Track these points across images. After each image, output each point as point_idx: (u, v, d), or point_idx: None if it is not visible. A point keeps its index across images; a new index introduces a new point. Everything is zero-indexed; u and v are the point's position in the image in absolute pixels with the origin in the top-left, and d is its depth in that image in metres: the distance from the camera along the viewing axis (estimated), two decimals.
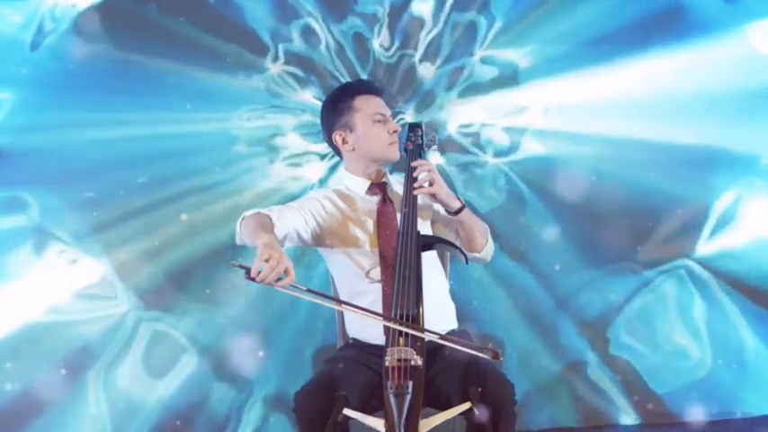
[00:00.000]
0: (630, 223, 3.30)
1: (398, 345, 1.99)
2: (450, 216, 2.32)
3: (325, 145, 2.53)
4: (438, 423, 1.94)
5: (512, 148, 3.31)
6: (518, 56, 3.29)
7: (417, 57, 3.29)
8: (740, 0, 3.31)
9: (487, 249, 2.42)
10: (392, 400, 1.88)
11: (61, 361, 3.06)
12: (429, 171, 2.24)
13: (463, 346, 1.97)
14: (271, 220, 2.18)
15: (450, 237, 2.41)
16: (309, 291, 1.93)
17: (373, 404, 2.05)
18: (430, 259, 2.32)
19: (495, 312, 3.27)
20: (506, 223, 3.27)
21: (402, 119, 3.25)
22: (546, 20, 3.27)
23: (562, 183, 3.26)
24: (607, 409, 3.30)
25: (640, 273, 3.31)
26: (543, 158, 3.30)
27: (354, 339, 2.34)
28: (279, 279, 1.88)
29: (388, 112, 2.39)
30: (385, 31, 3.26)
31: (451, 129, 3.30)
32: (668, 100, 3.28)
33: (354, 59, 3.27)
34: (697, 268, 3.32)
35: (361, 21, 3.26)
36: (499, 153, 3.31)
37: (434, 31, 3.28)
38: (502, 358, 1.91)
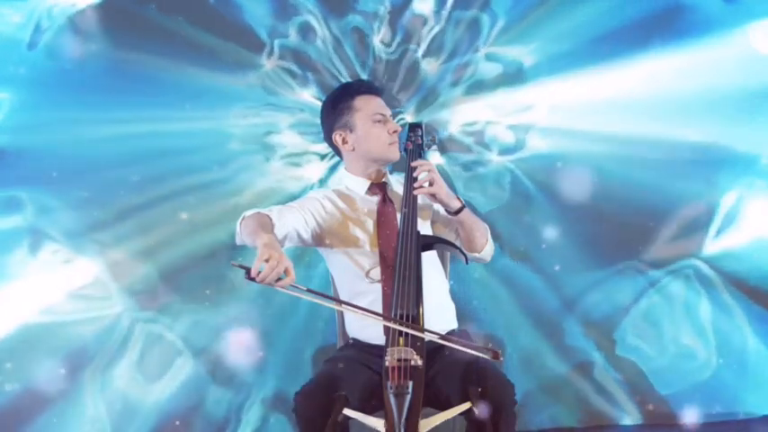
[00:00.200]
0: (633, 223, 3.29)
1: (398, 345, 1.99)
2: (450, 216, 2.33)
3: (325, 145, 2.53)
4: (438, 423, 1.94)
5: (516, 146, 3.30)
6: (521, 54, 3.29)
7: (420, 52, 3.28)
8: (740, 0, 3.31)
9: (487, 249, 2.42)
10: (392, 400, 1.88)
11: (59, 361, 3.05)
12: (429, 171, 2.24)
13: (463, 346, 1.97)
14: (271, 220, 2.18)
15: (451, 237, 2.41)
16: (309, 291, 1.93)
17: (373, 404, 2.05)
18: (430, 259, 2.32)
19: (495, 312, 3.27)
20: (509, 222, 3.26)
21: (402, 119, 3.25)
22: (546, 19, 3.26)
23: (567, 181, 3.25)
24: (607, 409, 3.29)
25: (646, 272, 3.31)
26: (547, 156, 3.28)
27: (354, 339, 2.34)
28: (279, 279, 1.88)
29: (388, 112, 2.40)
30: (386, 28, 3.26)
31: (455, 127, 3.29)
32: (668, 100, 3.27)
33: (353, 55, 3.26)
34: (705, 268, 3.31)
35: (361, 18, 3.25)
36: (504, 151, 3.30)
37: (437, 28, 3.28)
38: (502, 358, 1.91)
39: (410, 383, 1.90)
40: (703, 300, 3.31)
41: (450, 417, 1.96)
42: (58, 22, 3.10)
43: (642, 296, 3.31)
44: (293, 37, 3.21)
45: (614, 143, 3.26)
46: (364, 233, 2.33)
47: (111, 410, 3.10)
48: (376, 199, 2.38)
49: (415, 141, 2.44)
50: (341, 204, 2.38)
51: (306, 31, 3.22)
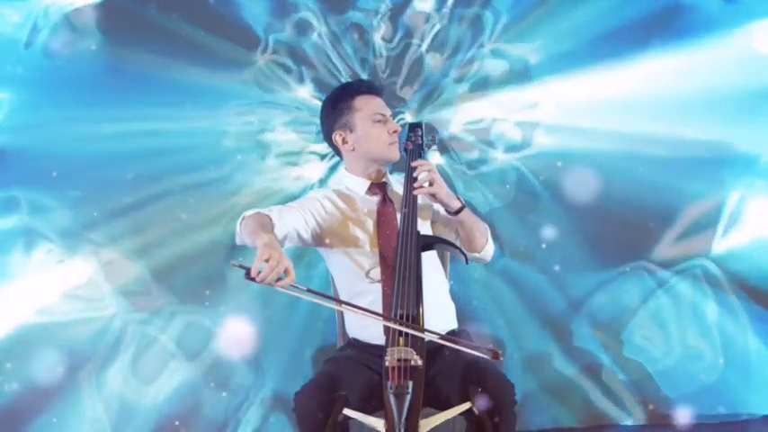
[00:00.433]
0: (633, 222, 3.28)
1: (398, 345, 1.99)
2: (450, 216, 2.33)
3: (325, 145, 2.53)
4: (438, 423, 1.94)
5: (519, 145, 3.30)
6: (522, 52, 3.29)
7: (424, 47, 3.27)
8: (740, 0, 3.31)
9: (487, 249, 2.42)
10: (392, 400, 1.88)
11: (57, 361, 3.05)
12: (429, 171, 2.24)
13: (463, 346, 1.97)
14: (271, 220, 2.18)
15: (451, 237, 2.41)
16: (309, 291, 1.93)
17: (373, 404, 2.05)
18: (430, 259, 2.32)
19: (495, 312, 3.27)
20: (512, 221, 3.26)
21: (402, 119, 3.25)
22: (546, 19, 3.26)
23: (569, 180, 3.25)
24: (607, 409, 3.29)
25: (650, 272, 3.31)
26: (548, 155, 3.29)
27: (354, 339, 2.34)
28: (279, 279, 1.88)
29: (388, 112, 2.40)
30: (387, 24, 3.25)
31: (457, 124, 3.29)
32: (668, 99, 3.27)
33: (351, 51, 3.26)
34: (710, 268, 3.31)
35: (361, 14, 3.25)
36: (507, 149, 3.30)
37: (438, 25, 3.27)
38: (502, 358, 1.91)
39: (410, 383, 1.90)
40: (707, 300, 3.31)
41: (450, 417, 1.97)
42: (57, 22, 3.10)
43: (650, 296, 3.31)
44: (290, 33, 3.20)
45: (613, 143, 3.26)
46: (364, 233, 2.33)
47: (112, 411, 3.10)
48: (376, 199, 2.38)
49: (415, 141, 2.44)
50: (341, 204, 2.38)
51: (304, 27, 3.22)
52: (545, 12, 3.26)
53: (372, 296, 2.24)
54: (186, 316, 3.16)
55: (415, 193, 2.25)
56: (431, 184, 2.24)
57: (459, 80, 3.29)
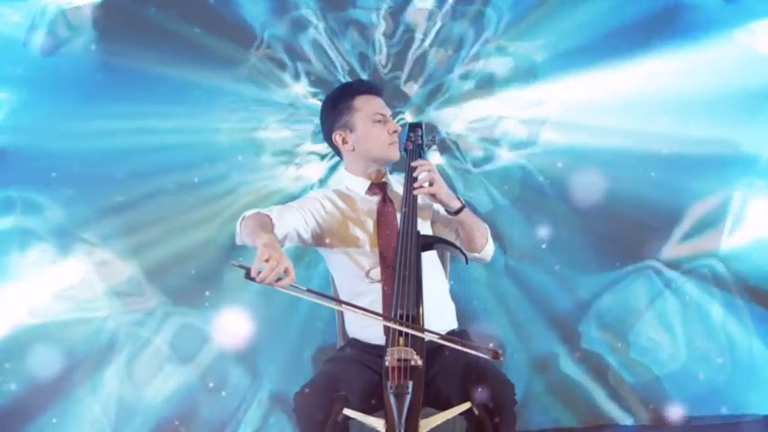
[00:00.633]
0: (632, 221, 3.29)
1: (398, 345, 1.99)
2: (450, 216, 2.32)
3: (325, 145, 2.53)
4: (438, 423, 1.94)
5: (518, 144, 3.31)
6: (526, 51, 3.29)
7: (427, 42, 3.27)
8: (741, 0, 3.31)
9: (487, 249, 2.42)
10: (392, 400, 1.88)
11: (56, 361, 3.06)
12: (429, 171, 2.24)
13: (463, 346, 1.97)
14: (271, 220, 2.18)
15: (451, 237, 2.41)
16: (309, 291, 1.93)
17: (373, 404, 2.05)
18: (430, 259, 2.32)
19: (496, 312, 3.27)
20: (517, 220, 3.26)
21: (402, 119, 3.25)
22: (545, 20, 3.27)
23: (570, 179, 3.26)
24: (608, 408, 3.29)
25: (617, 269, 3.32)
26: (550, 153, 3.29)
27: (354, 339, 2.34)
28: (279, 279, 1.88)
29: (389, 112, 2.39)
30: (387, 20, 3.26)
31: (462, 121, 3.29)
32: (668, 99, 3.27)
33: (351, 47, 3.26)
34: (718, 267, 3.31)
35: (362, 11, 3.26)
36: (514, 146, 3.31)
37: (440, 22, 3.27)
38: (502, 358, 1.91)
39: (410, 383, 1.91)
40: (712, 300, 3.32)
41: (450, 417, 1.97)
42: (56, 22, 3.10)
43: (656, 296, 3.31)
44: (289, 30, 3.21)
45: (613, 142, 3.27)
46: (364, 233, 2.32)
47: (112, 411, 3.10)
48: (376, 199, 2.38)
49: (415, 141, 2.44)
50: (341, 204, 2.38)
51: (303, 24, 3.23)
52: (545, 12, 3.27)
53: (372, 296, 2.24)
54: (186, 316, 3.16)
55: (415, 193, 2.25)
56: (431, 184, 2.24)
57: (465, 77, 3.29)
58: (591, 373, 3.30)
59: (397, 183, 2.45)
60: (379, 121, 2.34)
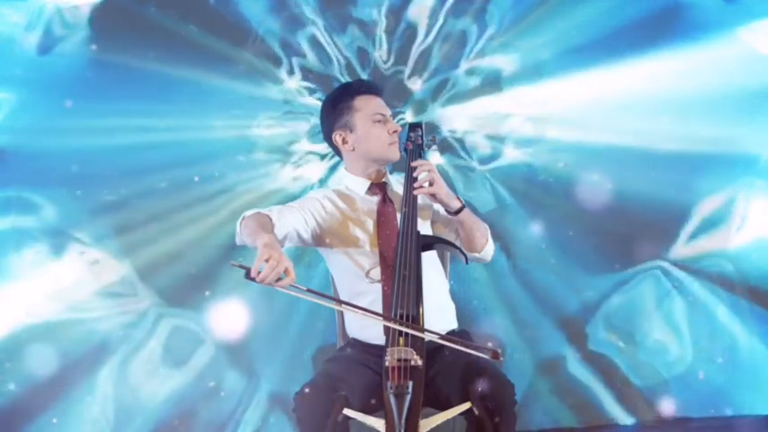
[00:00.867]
0: (630, 222, 3.29)
1: (398, 345, 1.99)
2: (450, 216, 2.32)
3: (325, 145, 2.53)
4: (438, 423, 1.94)
5: (530, 141, 3.32)
6: (516, 57, 3.30)
7: (430, 38, 3.28)
8: (740, 0, 3.31)
9: (487, 249, 2.42)
10: (392, 400, 1.88)
11: (55, 362, 3.06)
12: (429, 171, 2.24)
13: (463, 346, 1.97)
14: (271, 220, 2.18)
15: (451, 237, 2.41)
16: (309, 291, 1.93)
17: (373, 404, 2.05)
18: (430, 259, 2.32)
19: (497, 312, 3.27)
20: (520, 219, 3.27)
21: (402, 119, 3.25)
22: (545, 20, 3.27)
23: (573, 176, 3.28)
24: (608, 408, 3.30)
25: (620, 272, 3.32)
26: (556, 151, 3.31)
27: (354, 339, 2.34)
28: (279, 279, 1.88)
29: (389, 112, 2.39)
30: (389, 17, 3.26)
31: (468, 118, 3.30)
32: (668, 100, 3.28)
33: (350, 42, 3.28)
34: (674, 270, 3.32)
35: (360, 31, 3.26)
36: (520, 144, 3.32)
37: (442, 19, 3.28)
38: (502, 358, 1.91)
39: (410, 383, 1.90)
40: (710, 300, 3.32)
41: (450, 417, 1.97)
42: (57, 23, 3.11)
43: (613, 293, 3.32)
44: (288, 28, 3.21)
45: (613, 143, 3.27)
46: (364, 233, 2.32)
47: (112, 411, 3.10)
48: (376, 199, 2.38)
49: (415, 141, 2.43)
50: (341, 204, 2.38)
51: (317, 48, 3.24)
52: (545, 12, 3.27)
53: (372, 296, 2.24)
54: (184, 317, 3.16)
55: (415, 193, 2.25)
56: (431, 184, 2.24)
57: (471, 72, 3.29)
58: (594, 374, 3.30)
59: (397, 183, 2.45)
60: (379, 121, 2.34)
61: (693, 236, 3.33)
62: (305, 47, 3.24)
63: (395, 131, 2.35)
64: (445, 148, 3.31)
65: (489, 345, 1.96)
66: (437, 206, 2.39)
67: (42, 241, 3.08)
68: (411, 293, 2.08)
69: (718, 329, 3.32)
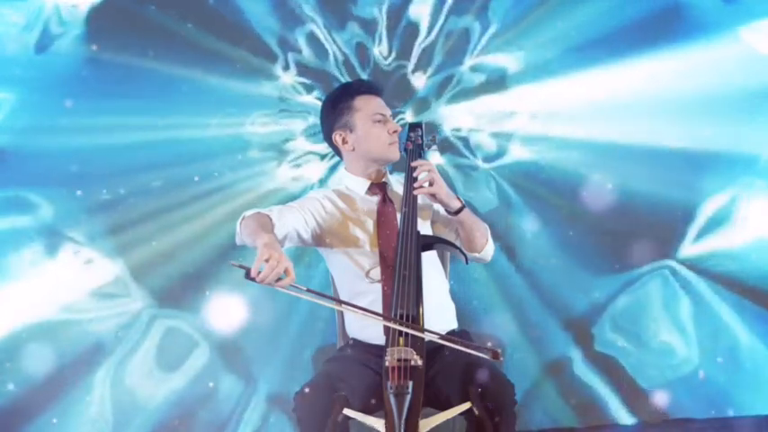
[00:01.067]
0: (635, 222, 3.30)
1: (398, 345, 1.99)
2: (450, 216, 2.32)
3: (325, 145, 2.53)
4: (438, 423, 1.94)
5: (500, 153, 3.32)
6: (517, 57, 3.30)
7: (434, 34, 3.29)
8: (739, 0, 3.31)
9: (487, 249, 2.42)
10: (392, 400, 1.88)
11: (54, 362, 3.06)
12: (429, 171, 2.24)
13: (463, 346, 1.97)
14: (271, 220, 2.18)
15: (451, 237, 2.41)
16: (309, 291, 1.93)
17: (373, 404, 2.05)
18: (430, 259, 2.32)
19: (500, 311, 3.27)
20: (506, 224, 3.27)
21: (402, 119, 3.25)
22: (545, 20, 3.27)
23: (560, 182, 3.27)
24: (608, 408, 3.30)
25: (625, 272, 3.32)
26: (539, 161, 3.31)
27: (354, 339, 2.34)
28: (279, 279, 1.88)
29: (389, 112, 2.39)
30: (384, 40, 3.27)
31: (472, 116, 3.30)
32: (668, 100, 3.28)
33: (358, 67, 3.28)
34: (682, 269, 3.32)
35: (360, 28, 3.26)
36: (488, 158, 3.33)
37: (443, 16, 3.28)
38: (502, 358, 1.91)
39: (410, 383, 1.90)
40: (693, 299, 3.32)
41: (450, 417, 1.96)
42: (57, 23, 3.11)
43: (620, 294, 3.32)
44: (305, 52, 3.23)
45: (613, 143, 3.27)
46: (364, 233, 2.32)
47: (112, 411, 3.10)
48: (376, 199, 2.38)
49: (415, 141, 2.43)
50: (341, 204, 2.38)
51: (314, 44, 3.24)
52: (545, 12, 3.27)
53: (372, 296, 2.24)
54: (184, 317, 3.16)
55: (415, 193, 2.24)
56: (431, 184, 2.24)
57: (475, 69, 3.29)
58: (599, 374, 3.30)
59: (397, 183, 2.45)
60: (379, 121, 2.34)
61: (698, 236, 3.32)
62: (302, 43, 3.24)
63: (395, 131, 2.35)
64: (447, 146, 3.31)
65: (489, 345, 1.95)
66: (437, 206, 2.39)
67: (38, 241, 3.08)
68: (411, 293, 2.08)
69: (722, 330, 3.31)
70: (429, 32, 3.29)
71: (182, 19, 3.15)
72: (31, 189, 3.09)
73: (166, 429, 3.13)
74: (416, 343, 1.99)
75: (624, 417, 3.30)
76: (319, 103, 3.15)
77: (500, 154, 3.32)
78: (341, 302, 2.14)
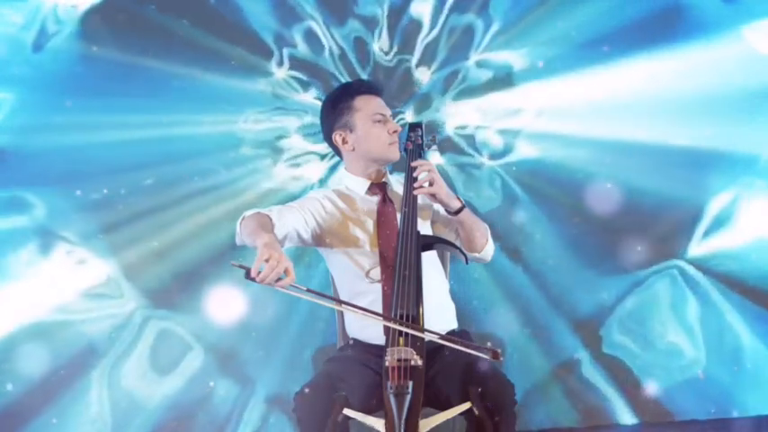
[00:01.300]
0: (628, 223, 3.29)
1: (398, 345, 1.98)
2: (450, 216, 2.32)
3: (325, 145, 2.53)
4: (438, 423, 1.94)
5: (506, 150, 3.32)
6: (517, 57, 3.30)
7: (414, 62, 3.29)
8: (740, 0, 3.31)
9: (487, 249, 2.42)
10: (392, 400, 1.88)
11: (54, 362, 3.06)
12: (429, 171, 2.24)
13: (463, 346, 1.97)
14: (271, 220, 2.18)
15: (451, 237, 2.41)
16: (309, 291, 1.93)
17: (373, 404, 2.05)
18: (430, 259, 2.32)
19: (494, 312, 3.27)
20: (506, 223, 3.27)
21: (402, 119, 3.25)
22: (545, 20, 3.27)
23: (562, 182, 3.27)
24: (607, 408, 3.29)
25: (634, 273, 3.32)
26: (539, 160, 3.30)
27: (354, 339, 2.34)
28: (279, 279, 1.88)
29: (389, 112, 2.39)
30: (384, 35, 3.27)
31: (479, 114, 3.30)
32: (668, 100, 3.28)
33: (356, 63, 3.27)
34: (691, 269, 3.32)
35: (360, 24, 3.26)
36: (495, 155, 3.32)
37: (432, 35, 3.29)
38: (502, 358, 1.90)
39: (410, 383, 1.90)
40: (693, 299, 3.32)
41: (450, 417, 1.96)
42: (60, 24, 3.11)
43: (628, 295, 3.32)
44: (300, 46, 3.22)
45: (611, 145, 3.27)
46: (364, 233, 2.32)
47: (112, 411, 3.10)
48: (376, 199, 2.38)
49: (415, 141, 2.43)
50: (341, 204, 2.38)
51: (311, 39, 3.24)
52: (545, 12, 3.27)
53: (372, 296, 2.24)
54: (183, 316, 3.16)
55: (415, 193, 2.24)
56: (431, 184, 2.24)
57: (481, 65, 3.29)
58: (603, 375, 3.30)
59: (397, 183, 2.45)
60: (379, 121, 2.34)
61: (704, 235, 3.32)
62: (298, 39, 3.24)
63: (395, 131, 2.35)
64: (450, 145, 3.31)
65: (489, 344, 1.95)
66: (437, 206, 2.39)
67: (32, 241, 3.09)
68: (411, 293, 2.08)
69: (726, 330, 3.31)
70: (432, 28, 3.29)
71: (180, 18, 3.15)
72: (26, 188, 3.09)
73: (166, 429, 3.13)
74: (416, 343, 1.99)
75: (627, 418, 3.29)
76: (317, 102, 3.17)
77: (506, 151, 3.32)
78: (341, 302, 2.14)
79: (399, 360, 1.95)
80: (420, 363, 1.96)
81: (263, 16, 3.22)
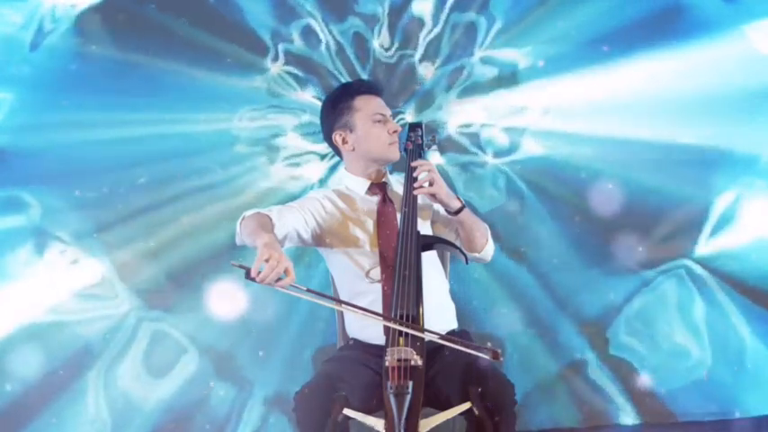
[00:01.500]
0: (628, 224, 3.29)
1: (398, 345, 1.99)
2: (450, 216, 2.32)
3: (325, 145, 2.53)
4: (438, 423, 1.93)
5: (511, 149, 3.31)
6: (517, 56, 3.29)
7: (417, 57, 3.29)
8: (740, 0, 3.31)
9: (487, 249, 2.42)
10: (392, 400, 1.88)
11: (53, 362, 3.06)
12: (429, 171, 2.24)
13: (463, 346, 1.97)
14: (271, 220, 2.18)
15: (451, 237, 2.41)
16: (309, 291, 1.93)
17: (373, 404, 2.05)
18: (430, 259, 2.32)
19: (495, 312, 3.27)
20: (507, 223, 3.27)
21: (402, 119, 3.25)
22: (546, 20, 3.27)
23: (562, 182, 3.27)
24: (607, 408, 3.29)
25: (640, 272, 3.32)
26: (543, 158, 3.30)
27: (354, 339, 2.34)
28: (279, 279, 1.88)
29: (388, 112, 2.39)
30: (385, 32, 3.27)
31: (484, 112, 3.30)
32: (668, 100, 3.28)
33: (354, 59, 3.27)
34: (697, 268, 3.32)
35: (360, 20, 3.26)
36: (499, 153, 3.32)
37: (434, 32, 3.29)
38: (502, 358, 1.91)
39: (410, 383, 1.90)
40: (696, 299, 3.32)
41: (450, 417, 1.96)
42: (60, 23, 3.11)
43: (635, 296, 3.31)
44: (297, 42, 3.22)
45: (611, 145, 3.27)
46: (364, 233, 2.32)
47: (111, 411, 3.10)
48: (376, 199, 2.38)
49: (415, 141, 2.43)
50: (341, 204, 2.38)
51: (308, 35, 3.23)
52: (545, 12, 3.27)
53: (372, 296, 2.24)
54: (185, 315, 3.16)
55: (415, 193, 2.25)
56: (431, 184, 2.24)
57: (485, 62, 3.29)
58: (590, 373, 3.29)
59: (397, 183, 2.45)
60: (379, 121, 2.34)
61: (710, 234, 3.32)
62: (296, 36, 3.23)
63: (395, 131, 2.35)
64: (452, 143, 3.31)
65: (489, 344, 1.95)
66: (437, 206, 2.39)
67: (28, 241, 3.09)
68: (411, 293, 2.08)
69: (731, 330, 3.31)
70: (434, 25, 3.29)
71: (179, 17, 3.15)
72: (21, 187, 3.09)
73: (166, 429, 3.13)
74: (416, 343, 1.99)
75: (624, 417, 3.29)
76: (314, 101, 3.17)
77: (512, 149, 3.31)
78: (341, 302, 2.14)
79: (399, 360, 1.95)
80: (420, 363, 1.96)
81: (260, 15, 3.21)
